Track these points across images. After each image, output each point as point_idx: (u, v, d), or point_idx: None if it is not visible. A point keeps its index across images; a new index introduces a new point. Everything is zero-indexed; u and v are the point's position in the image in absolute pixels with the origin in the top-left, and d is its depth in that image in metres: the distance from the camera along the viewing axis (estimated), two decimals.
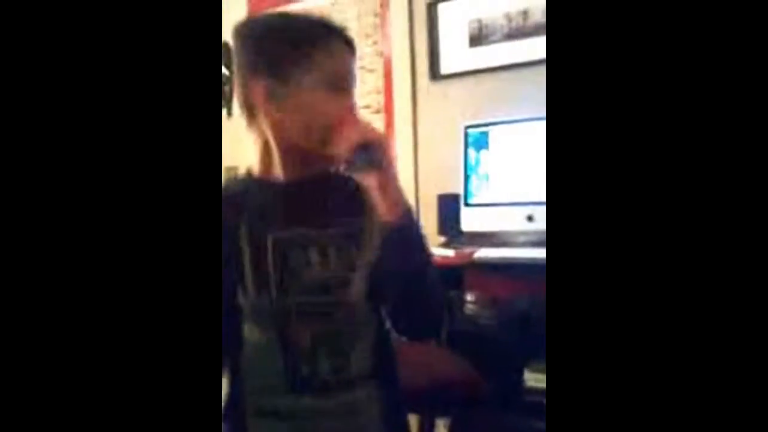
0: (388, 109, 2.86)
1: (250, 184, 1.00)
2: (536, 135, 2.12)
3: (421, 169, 2.74)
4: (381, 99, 2.88)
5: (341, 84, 0.94)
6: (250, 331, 0.93)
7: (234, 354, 0.94)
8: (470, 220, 2.28)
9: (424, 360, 1.93)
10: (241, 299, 0.92)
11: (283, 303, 0.91)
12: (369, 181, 0.88)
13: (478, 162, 2.29)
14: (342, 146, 0.86)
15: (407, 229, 0.91)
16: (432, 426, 2.20)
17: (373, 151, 0.87)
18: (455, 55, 2.59)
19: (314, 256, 0.92)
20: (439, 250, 2.22)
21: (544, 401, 2.06)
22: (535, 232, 2.10)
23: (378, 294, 0.94)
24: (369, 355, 0.96)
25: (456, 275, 2.25)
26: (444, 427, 2.32)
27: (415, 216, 0.93)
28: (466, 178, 2.31)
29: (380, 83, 2.87)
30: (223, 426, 0.96)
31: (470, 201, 2.29)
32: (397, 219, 0.89)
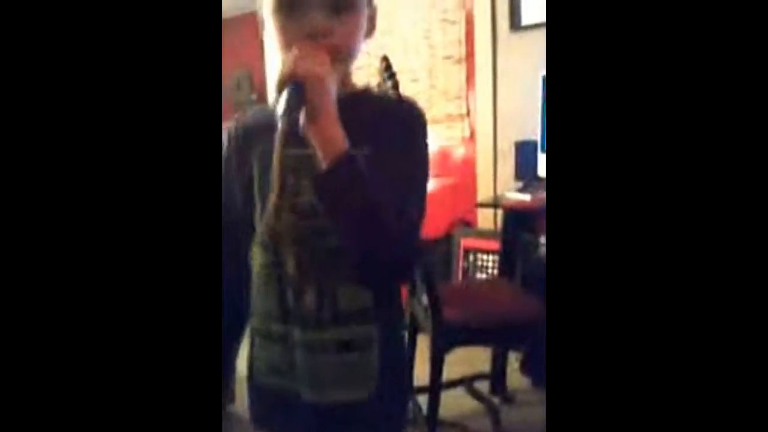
0: (469, 59, 2.94)
1: (258, 113, 0.97)
2: None
3: (499, 116, 2.83)
4: (462, 49, 2.96)
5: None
6: (255, 254, 0.92)
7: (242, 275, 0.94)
8: (544, 167, 2.36)
9: (497, 296, 2.07)
10: (255, 218, 0.90)
11: (275, 223, 0.86)
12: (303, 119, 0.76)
13: None
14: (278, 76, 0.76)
15: (336, 181, 0.77)
16: (505, 359, 2.35)
17: (304, 90, 0.74)
18: (535, 6, 2.63)
19: (305, 181, 0.84)
20: (515, 195, 2.33)
21: None
22: None
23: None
24: (366, 295, 0.88)
25: (531, 219, 2.36)
26: (516, 360, 2.47)
27: (354, 163, 0.77)
28: (544, 125, 2.38)
29: (462, 34, 2.95)
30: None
31: (545, 147, 2.37)
32: (326, 164, 0.76)
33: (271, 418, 0.97)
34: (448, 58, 3.01)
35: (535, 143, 2.41)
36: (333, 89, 0.77)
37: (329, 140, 0.76)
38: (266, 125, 0.84)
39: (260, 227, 0.89)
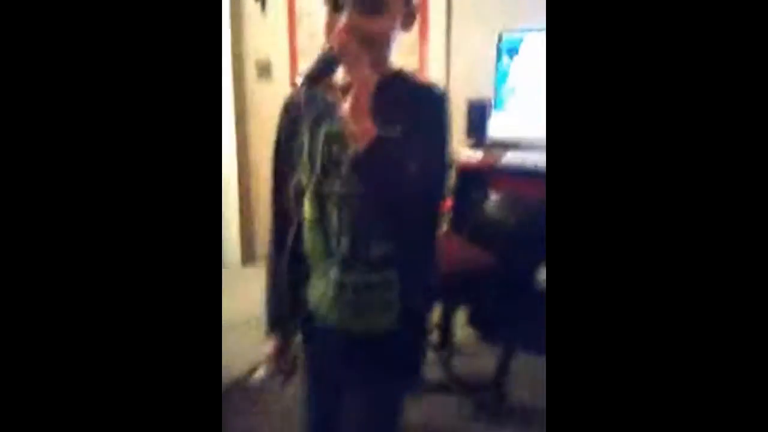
0: (422, 14, 2.92)
1: (308, 97, 1.11)
2: None
3: (452, 72, 2.83)
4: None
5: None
6: (306, 208, 1.09)
7: (293, 225, 1.12)
8: (498, 126, 2.40)
9: (447, 249, 2.13)
10: (303, 179, 1.08)
11: (321, 185, 1.05)
12: (337, 98, 0.94)
13: (508, 70, 2.38)
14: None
15: (373, 159, 0.92)
16: (453, 312, 2.44)
17: (335, 62, 0.92)
18: None
19: (359, 169, 0.98)
20: (466, 152, 2.37)
21: None
22: None
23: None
24: (387, 244, 1.05)
25: (481, 176, 2.41)
26: (464, 315, 2.57)
27: (387, 145, 0.93)
28: (497, 84, 2.41)
29: None
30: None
31: (499, 108, 2.41)
32: (360, 149, 0.92)
33: (311, 334, 1.16)
34: None
35: (488, 102, 2.44)
36: (366, 75, 0.91)
37: (360, 125, 0.91)
38: (317, 95, 1.05)
39: (309, 186, 1.07)
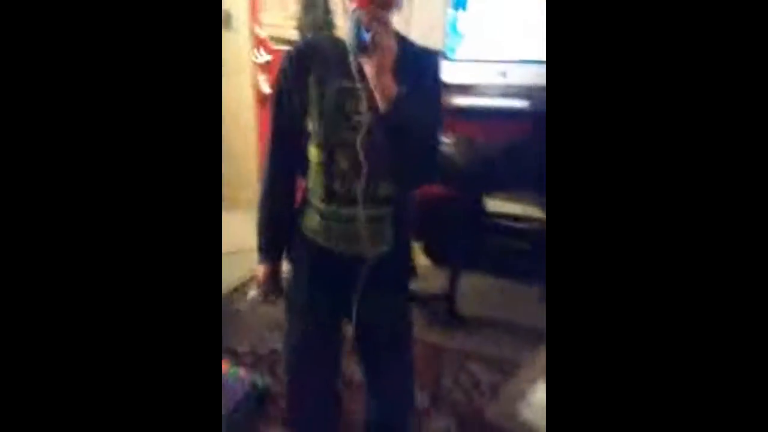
0: None
1: (322, 40, 1.25)
2: None
3: (410, 24, 3.02)
4: None
5: None
6: (312, 151, 1.21)
7: (299, 159, 1.25)
8: (450, 73, 2.63)
9: None
10: (309, 125, 1.18)
11: (332, 135, 1.16)
12: (364, 61, 1.03)
13: (459, 20, 2.60)
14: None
15: (395, 118, 1.05)
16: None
17: (371, 34, 0.98)
18: None
19: (360, 104, 1.12)
20: None
21: (500, 222, 2.55)
22: (507, 86, 2.48)
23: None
24: (387, 184, 1.20)
25: None
26: (419, 248, 2.85)
27: (407, 104, 1.05)
28: (448, 34, 2.62)
29: None
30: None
31: (451, 56, 2.63)
32: (385, 106, 1.04)
33: (307, 259, 1.29)
34: None
35: (440, 52, 2.66)
36: (391, 37, 1.01)
37: (385, 84, 1.03)
38: (323, 50, 1.17)
39: (318, 134, 1.17)
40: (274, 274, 1.33)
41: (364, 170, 1.16)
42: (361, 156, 1.15)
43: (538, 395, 1.30)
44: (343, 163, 1.18)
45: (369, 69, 1.03)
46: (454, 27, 2.60)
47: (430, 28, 2.80)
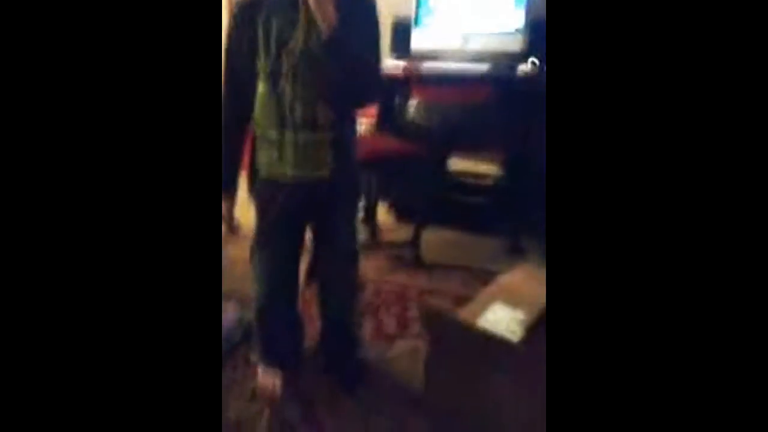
0: None
1: None
2: None
3: None
4: None
5: None
6: (260, 86, 1.36)
7: (251, 101, 1.40)
8: (418, 41, 2.81)
9: (374, 143, 2.57)
10: (258, 63, 1.34)
11: (276, 65, 1.32)
12: None
13: None
14: None
15: (335, 43, 1.23)
16: (376, 201, 2.90)
17: None
18: None
19: (302, 34, 1.30)
20: (391, 63, 2.77)
21: (461, 179, 2.76)
22: (469, 52, 2.68)
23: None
24: (329, 110, 1.36)
25: (404, 84, 2.83)
26: (385, 210, 3.06)
27: (346, 31, 1.23)
28: (418, 4, 2.80)
29: None
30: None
31: (419, 25, 2.81)
32: (327, 32, 1.22)
33: (266, 193, 1.47)
34: None
35: (409, 20, 2.83)
36: None
37: (326, 11, 1.22)
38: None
39: (264, 67, 1.33)
40: (231, 207, 1.51)
41: (300, 96, 1.33)
42: (301, 82, 1.32)
43: (491, 314, 1.52)
44: (288, 91, 1.33)
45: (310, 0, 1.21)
46: (425, 2, 2.78)
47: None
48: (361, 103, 1.46)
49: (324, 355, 1.75)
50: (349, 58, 1.27)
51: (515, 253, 2.58)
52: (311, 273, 2.00)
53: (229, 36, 1.38)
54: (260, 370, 1.71)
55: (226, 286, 2.22)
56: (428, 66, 2.68)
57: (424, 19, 2.80)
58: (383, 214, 3.02)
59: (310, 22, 1.27)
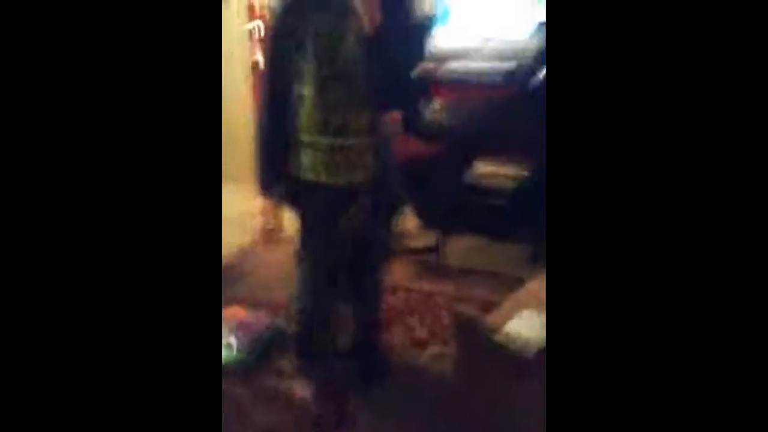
0: None
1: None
2: None
3: None
4: None
5: None
6: (300, 89, 1.36)
7: (287, 105, 1.40)
8: (440, 39, 2.77)
9: (401, 143, 2.54)
10: (302, 63, 1.34)
11: (325, 69, 1.33)
12: None
13: None
14: None
15: (379, 42, 1.26)
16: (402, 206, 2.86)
17: None
18: None
19: (350, 39, 1.30)
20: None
21: (486, 183, 2.72)
22: (490, 50, 2.64)
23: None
24: (369, 114, 1.39)
25: (426, 88, 2.80)
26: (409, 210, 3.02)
27: (392, 32, 1.26)
28: (437, 3, 2.77)
29: None
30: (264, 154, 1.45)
31: (441, 24, 2.78)
32: (371, 31, 1.25)
33: (308, 197, 1.47)
34: None
35: (431, 18, 2.79)
36: None
37: (372, 11, 1.23)
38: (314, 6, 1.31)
39: (311, 70, 1.32)
40: (273, 207, 1.53)
41: (354, 100, 1.33)
42: (347, 88, 1.32)
43: (519, 320, 1.50)
44: (334, 96, 1.34)
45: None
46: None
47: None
48: (402, 104, 1.47)
49: (355, 352, 1.75)
50: (391, 60, 1.28)
51: (538, 260, 2.53)
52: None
53: (273, 32, 1.39)
54: (295, 377, 1.71)
55: (258, 293, 2.26)
56: (449, 67, 2.64)
57: (444, 20, 2.76)
58: (407, 219, 2.98)
59: (359, 28, 1.27)
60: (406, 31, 1.33)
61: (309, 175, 1.42)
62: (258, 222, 1.52)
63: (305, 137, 1.40)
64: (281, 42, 1.37)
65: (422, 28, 1.43)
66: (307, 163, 1.42)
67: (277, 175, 1.48)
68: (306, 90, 1.36)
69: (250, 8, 3.47)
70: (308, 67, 1.33)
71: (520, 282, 1.69)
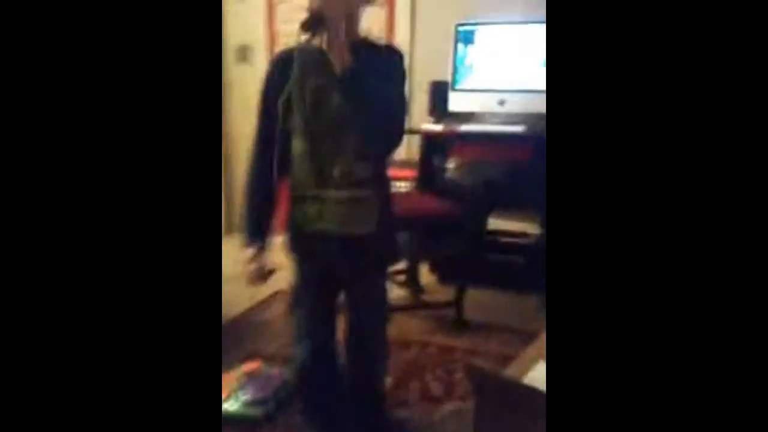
0: (390, 4, 3.37)
1: (303, 48, 1.40)
2: (513, 35, 2.73)
3: (416, 58, 3.30)
4: None
5: None
6: (296, 144, 1.39)
7: (287, 159, 1.42)
8: (456, 102, 2.88)
9: (415, 203, 2.61)
10: (292, 122, 1.37)
11: (314, 125, 1.35)
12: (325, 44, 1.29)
13: (465, 55, 2.86)
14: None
15: (349, 82, 1.28)
16: (418, 261, 2.91)
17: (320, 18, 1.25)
18: None
19: (336, 98, 1.32)
20: (429, 126, 2.84)
21: (501, 239, 2.76)
22: (505, 114, 2.73)
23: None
24: (368, 167, 1.39)
25: (442, 145, 2.89)
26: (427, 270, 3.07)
27: (360, 66, 1.27)
28: (455, 67, 2.88)
29: None
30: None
31: (456, 87, 2.88)
32: (340, 72, 1.27)
33: (304, 249, 1.49)
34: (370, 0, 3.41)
35: (447, 83, 2.91)
36: (343, 26, 1.26)
37: (341, 58, 1.27)
38: (303, 55, 1.36)
39: (301, 126, 1.37)
40: (260, 256, 1.48)
41: (344, 153, 1.37)
42: (339, 140, 1.36)
43: (536, 372, 1.50)
44: (324, 150, 1.37)
45: (325, 41, 1.28)
46: (461, 60, 2.87)
47: (436, 62, 3.08)
48: (384, 146, 1.44)
49: (350, 414, 1.69)
50: (365, 101, 1.31)
51: None
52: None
53: (264, 90, 1.43)
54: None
55: (269, 347, 2.30)
56: (466, 127, 2.73)
57: (461, 82, 2.87)
58: (426, 274, 3.02)
59: (334, 74, 1.29)
60: (379, 75, 1.33)
61: (302, 226, 1.45)
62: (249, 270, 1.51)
63: (309, 191, 1.42)
64: (270, 98, 1.41)
65: (396, 73, 1.43)
66: (301, 215, 1.45)
67: (263, 226, 1.49)
68: (299, 144, 1.40)
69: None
70: (299, 122, 1.39)
71: (534, 335, 1.70)
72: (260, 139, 1.44)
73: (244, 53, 3.74)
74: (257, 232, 1.49)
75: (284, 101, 1.37)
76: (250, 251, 1.47)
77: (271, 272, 1.50)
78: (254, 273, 1.48)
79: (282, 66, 1.39)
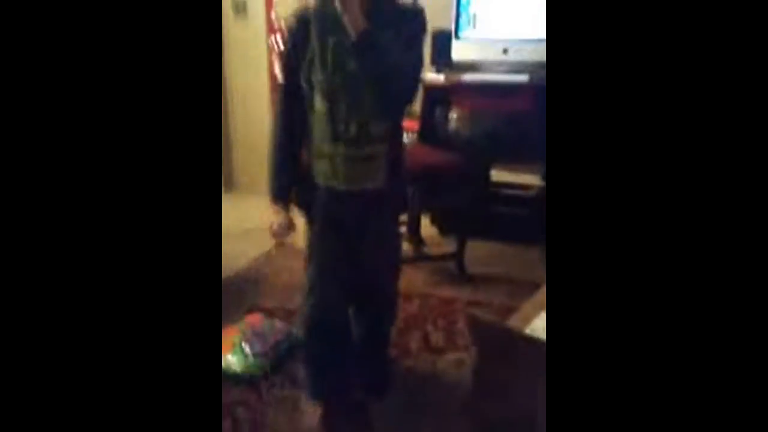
0: None
1: (321, 6, 1.42)
2: None
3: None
4: None
5: None
6: (317, 103, 1.43)
7: (306, 116, 1.46)
8: (459, 52, 2.82)
9: (417, 155, 2.58)
10: (314, 77, 1.39)
11: (333, 83, 1.38)
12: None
13: (468, 3, 2.79)
14: None
15: (362, 46, 1.30)
16: (420, 214, 2.90)
17: None
18: None
19: (351, 60, 1.35)
20: (432, 75, 2.79)
21: (504, 191, 2.74)
22: (509, 63, 2.67)
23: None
24: (383, 126, 1.42)
25: (444, 96, 2.84)
26: (426, 217, 3.06)
27: (376, 29, 1.29)
28: (458, 16, 2.81)
29: None
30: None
31: (459, 36, 2.82)
32: (354, 36, 1.28)
33: (319, 203, 1.51)
34: None
35: (449, 32, 2.84)
36: None
37: (355, 23, 1.28)
38: (321, 12, 1.39)
39: (322, 84, 1.38)
40: (286, 212, 1.53)
41: (360, 111, 1.39)
42: (356, 98, 1.37)
43: (538, 322, 1.51)
44: (343, 107, 1.39)
45: (338, 4, 1.26)
46: (465, 8, 2.79)
47: (438, 10, 2.99)
48: (397, 106, 1.46)
49: (357, 362, 1.74)
50: (377, 63, 1.31)
51: None
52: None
53: (287, 46, 1.44)
54: (303, 397, 1.73)
55: (276, 301, 2.32)
56: (468, 77, 2.68)
57: (464, 31, 2.81)
58: (427, 227, 3.02)
59: (349, 38, 1.30)
60: (395, 37, 1.34)
61: (329, 183, 1.48)
62: (272, 228, 1.54)
63: (323, 148, 1.45)
64: (293, 56, 1.43)
65: (415, 34, 1.42)
66: (327, 172, 1.47)
67: (288, 184, 1.53)
68: (318, 103, 1.42)
69: (270, 22, 3.57)
70: (319, 81, 1.40)
71: (536, 286, 1.70)
72: (285, 99, 1.48)
73: (241, 8, 3.65)
74: (282, 189, 1.52)
75: (309, 60, 1.39)
76: (276, 209, 1.51)
77: (292, 227, 1.54)
78: (278, 228, 1.52)
79: (301, 26, 1.41)
